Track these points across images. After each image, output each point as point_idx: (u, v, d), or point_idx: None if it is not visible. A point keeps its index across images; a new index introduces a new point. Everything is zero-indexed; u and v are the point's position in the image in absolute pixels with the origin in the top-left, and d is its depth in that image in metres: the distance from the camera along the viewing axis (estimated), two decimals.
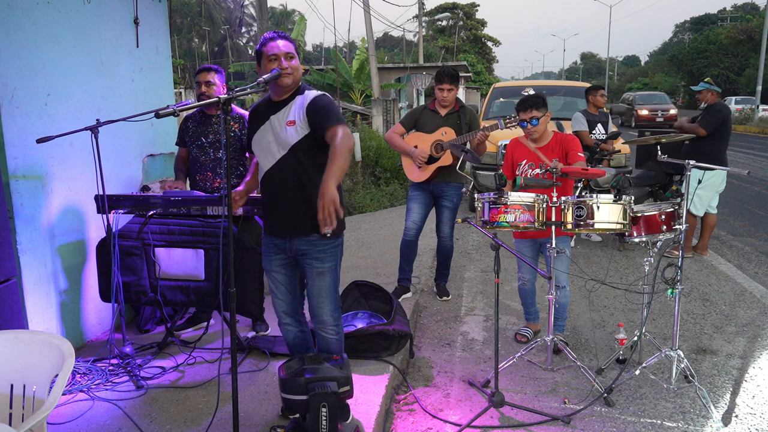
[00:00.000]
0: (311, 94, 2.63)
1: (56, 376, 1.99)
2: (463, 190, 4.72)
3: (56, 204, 3.39)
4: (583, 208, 3.09)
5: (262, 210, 2.82)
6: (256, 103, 2.78)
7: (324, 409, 2.36)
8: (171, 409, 2.88)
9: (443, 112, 4.41)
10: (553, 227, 3.18)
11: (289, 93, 2.64)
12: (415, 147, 4.38)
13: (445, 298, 4.77)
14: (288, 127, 2.58)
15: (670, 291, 3.06)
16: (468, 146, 4.36)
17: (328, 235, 2.41)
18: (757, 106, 27.61)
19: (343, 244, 2.76)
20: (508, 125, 4.00)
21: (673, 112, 25.89)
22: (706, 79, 5.76)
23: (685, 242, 5.78)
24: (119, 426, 2.73)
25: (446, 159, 4.31)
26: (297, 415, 2.54)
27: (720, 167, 3.56)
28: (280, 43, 2.58)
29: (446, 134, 4.32)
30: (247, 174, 3.40)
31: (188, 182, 3.87)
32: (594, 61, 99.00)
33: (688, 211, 5.55)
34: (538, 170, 3.59)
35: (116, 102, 3.87)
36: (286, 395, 2.45)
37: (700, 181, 5.51)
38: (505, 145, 4.58)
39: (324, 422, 2.36)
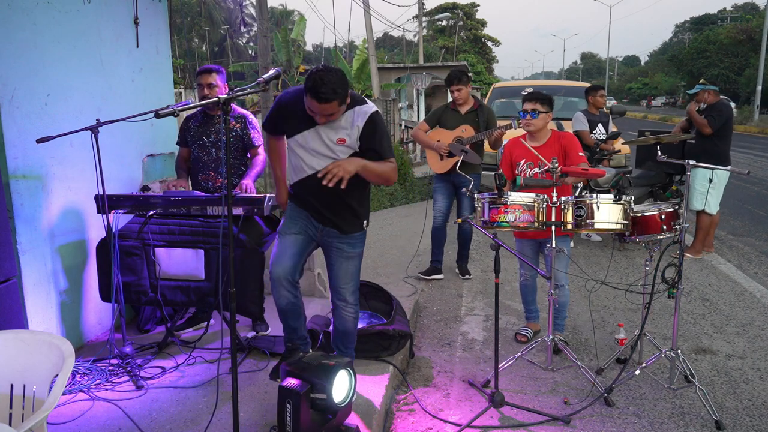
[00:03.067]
0: (362, 111, 2.63)
1: (56, 376, 1.99)
2: (464, 190, 4.84)
3: (56, 204, 3.39)
4: (583, 208, 3.09)
5: (292, 191, 2.90)
6: (292, 96, 2.71)
7: (288, 407, 2.38)
8: (171, 409, 2.88)
9: (463, 110, 4.88)
10: (553, 227, 3.18)
11: None
12: (438, 141, 4.85)
13: (467, 276, 5.23)
14: (338, 145, 2.66)
15: (669, 291, 3.06)
16: (468, 146, 4.66)
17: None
18: (757, 107, 27.62)
19: None
20: (522, 126, 4.22)
21: None
22: (701, 81, 5.78)
23: (708, 239, 5.87)
24: (119, 426, 2.73)
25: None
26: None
27: (721, 167, 3.56)
28: (318, 106, 2.49)
29: (466, 131, 4.78)
30: (253, 168, 3.54)
31: (190, 181, 3.88)
32: (594, 61, 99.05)
33: (702, 211, 5.64)
34: (536, 170, 3.59)
35: (116, 102, 3.87)
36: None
37: (710, 181, 5.53)
38: (504, 144, 4.69)
39: (288, 419, 2.38)
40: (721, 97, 5.73)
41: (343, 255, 2.84)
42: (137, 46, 4.10)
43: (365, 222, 2.89)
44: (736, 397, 3.17)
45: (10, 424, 2.06)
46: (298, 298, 2.92)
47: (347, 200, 2.78)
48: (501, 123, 4.83)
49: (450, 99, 5.01)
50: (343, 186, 2.57)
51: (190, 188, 3.81)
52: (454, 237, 5.32)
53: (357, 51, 21.48)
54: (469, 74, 4.89)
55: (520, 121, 3.74)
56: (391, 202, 9.09)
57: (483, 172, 7.60)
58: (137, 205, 3.35)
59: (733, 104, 29.80)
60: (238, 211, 3.25)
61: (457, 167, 4.63)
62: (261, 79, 2.44)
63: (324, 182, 2.53)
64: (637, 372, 3.16)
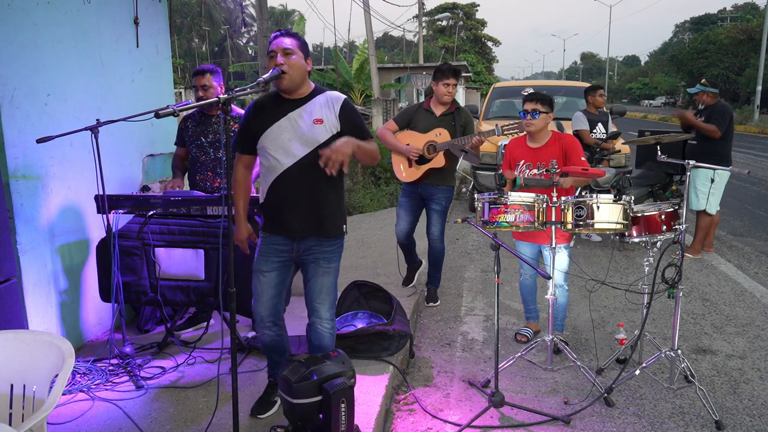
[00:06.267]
0: (335, 95, 2.65)
1: (56, 376, 1.99)
2: (464, 190, 4.76)
3: (56, 204, 3.39)
4: (583, 208, 3.09)
5: (263, 210, 2.75)
6: (258, 99, 2.72)
7: (343, 405, 2.37)
8: (171, 409, 2.88)
9: (439, 112, 4.23)
10: (553, 227, 3.18)
11: (306, 92, 2.62)
12: (407, 145, 4.22)
13: (432, 304, 4.58)
14: (316, 125, 2.57)
15: (670, 291, 3.06)
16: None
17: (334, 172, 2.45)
18: (757, 107, 27.64)
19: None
20: (506, 132, 3.89)
21: None
22: (702, 81, 5.78)
23: (708, 239, 5.87)
24: (119, 426, 2.73)
25: (438, 161, 4.15)
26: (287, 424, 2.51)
27: (722, 167, 3.56)
28: (281, 40, 2.56)
29: (440, 135, 4.14)
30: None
31: (188, 182, 3.88)
32: (594, 61, 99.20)
33: (703, 211, 5.65)
34: (535, 171, 3.59)
35: (116, 102, 3.87)
36: (299, 400, 2.39)
37: (713, 181, 5.54)
38: (505, 145, 4.57)
39: (343, 417, 2.37)
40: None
41: (320, 270, 2.66)
42: (137, 46, 4.10)
43: (344, 225, 2.71)
44: (736, 397, 3.17)
45: (10, 424, 2.06)
46: (283, 335, 2.84)
47: (327, 192, 2.63)
48: (484, 128, 4.49)
49: (423, 100, 4.38)
50: (345, 170, 2.56)
51: (186, 187, 3.80)
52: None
53: (357, 51, 21.50)
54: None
55: (524, 121, 3.67)
56: (391, 202, 9.08)
57: (483, 172, 7.66)
58: (137, 205, 3.35)
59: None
60: None
61: (425, 176, 4.15)
62: (261, 79, 2.45)
63: (328, 171, 2.42)
64: (637, 372, 3.16)
